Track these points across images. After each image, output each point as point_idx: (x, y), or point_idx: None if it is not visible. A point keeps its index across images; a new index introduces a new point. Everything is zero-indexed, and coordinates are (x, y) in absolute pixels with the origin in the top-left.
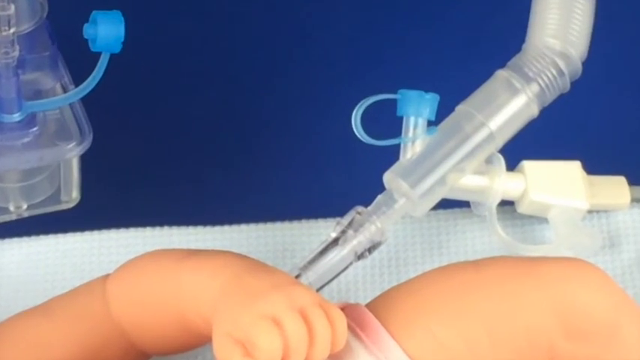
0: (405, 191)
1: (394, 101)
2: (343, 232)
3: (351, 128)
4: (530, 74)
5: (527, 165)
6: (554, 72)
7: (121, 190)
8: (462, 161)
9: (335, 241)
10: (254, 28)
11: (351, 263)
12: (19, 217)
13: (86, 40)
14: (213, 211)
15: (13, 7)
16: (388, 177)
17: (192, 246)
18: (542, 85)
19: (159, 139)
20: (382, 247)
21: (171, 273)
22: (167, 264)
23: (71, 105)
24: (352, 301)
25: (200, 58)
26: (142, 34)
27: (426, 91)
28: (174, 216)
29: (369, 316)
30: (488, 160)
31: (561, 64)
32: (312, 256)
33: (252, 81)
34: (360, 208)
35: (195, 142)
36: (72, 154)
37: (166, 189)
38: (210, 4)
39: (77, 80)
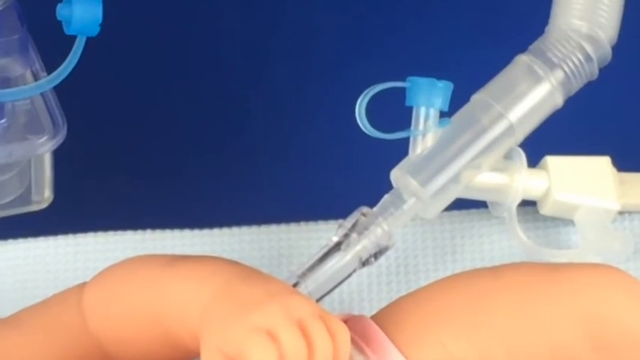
0: (415, 190)
1: (403, 90)
2: (346, 235)
3: (355, 120)
4: (554, 60)
5: (551, 161)
6: (581, 57)
7: (98, 189)
8: (478, 157)
9: (337, 246)
10: (246, 14)
11: (354, 270)
12: None
13: (60, 22)
14: (201, 212)
15: None
16: (396, 174)
17: (178, 251)
18: (568, 71)
19: (141, 133)
20: (389, 253)
21: (155, 282)
22: (150, 272)
23: (43, 94)
24: (356, 312)
25: (188, 44)
26: (123, 16)
27: (438, 78)
28: (158, 218)
29: (375, 329)
30: (508, 156)
31: (589, 49)
32: (311, 262)
33: (243, 69)
34: (364, 209)
35: (182, 136)
36: (44, 149)
37: (149, 188)
38: None
39: (49, 67)
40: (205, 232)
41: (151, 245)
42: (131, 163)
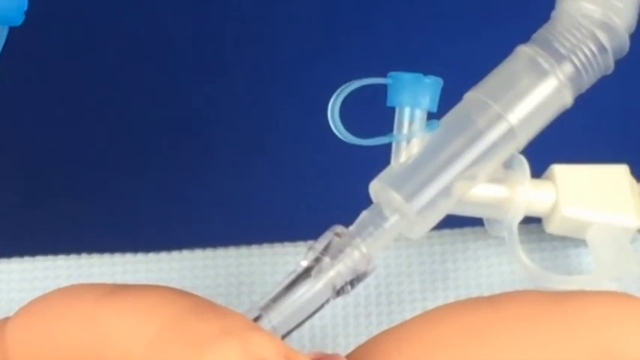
0: (399, 205)
1: (384, 87)
2: (317, 259)
3: (327, 123)
4: (562, 51)
5: (559, 170)
6: (594, 47)
7: (24, 207)
8: (473, 166)
9: (307, 272)
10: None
11: (328, 301)
12: None
13: None
14: (145, 233)
15: None
16: (376, 187)
17: (119, 279)
18: (578, 64)
19: (73, 141)
20: (369, 280)
21: (91, 315)
22: (85, 304)
23: None
24: (330, 350)
25: (141, 51)
26: (53, 4)
27: (425, 73)
28: (95, 240)
29: None
30: (508, 164)
31: (602, 38)
32: (276, 291)
33: (195, 66)
34: (339, 229)
35: (123, 143)
36: None
37: (84, 205)
38: None
39: None
40: (151, 256)
41: (87, 272)
42: (62, 176)
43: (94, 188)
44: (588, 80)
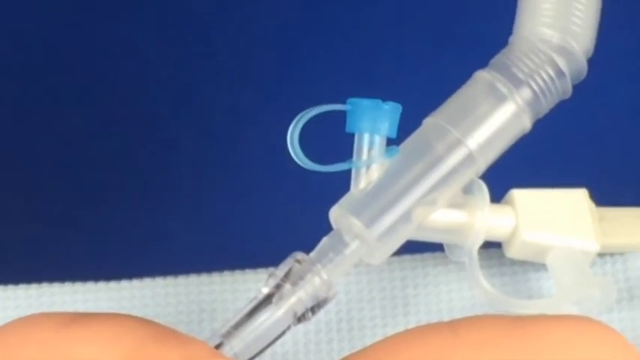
0: (359, 231)
1: (343, 113)
2: (278, 286)
3: (287, 150)
4: (520, 75)
5: (518, 195)
6: (552, 72)
7: None
8: (432, 191)
9: (267, 299)
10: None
11: (289, 327)
12: None
13: None
14: (105, 260)
15: None
16: (336, 213)
17: (80, 308)
18: (536, 89)
19: (30, 169)
20: (330, 306)
21: (52, 344)
22: (46, 332)
23: None
24: None
25: (93, 71)
26: None
27: (384, 99)
28: (53, 268)
29: None
30: (467, 190)
31: (560, 62)
32: (237, 318)
33: (147, 85)
34: (299, 255)
35: (83, 171)
36: None
37: (39, 231)
38: None
39: None
40: (112, 284)
41: (47, 301)
42: (15, 200)
43: (54, 217)
44: (547, 105)
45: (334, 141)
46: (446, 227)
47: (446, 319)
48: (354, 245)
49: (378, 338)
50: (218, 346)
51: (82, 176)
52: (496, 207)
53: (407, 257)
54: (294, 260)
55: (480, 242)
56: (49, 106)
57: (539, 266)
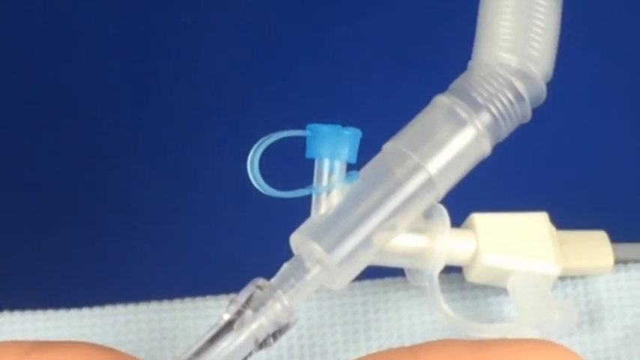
0: (320, 257)
1: (302, 139)
2: (239, 312)
3: (247, 176)
4: (480, 100)
5: (478, 219)
6: (511, 96)
7: None
8: (392, 216)
9: (229, 325)
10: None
11: (250, 353)
12: None
13: None
14: (65, 289)
15: None
16: (297, 239)
17: (41, 336)
18: (496, 113)
19: None
20: (291, 332)
21: None
22: None
23: None
24: None
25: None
26: None
27: (344, 125)
28: (14, 297)
29: None
30: (428, 214)
31: (519, 86)
32: (199, 345)
33: (110, 114)
34: (260, 281)
35: (41, 200)
36: None
37: (1, 263)
38: None
39: None
40: (73, 312)
41: (8, 329)
42: None
43: (14, 244)
44: (506, 129)
45: (294, 167)
46: (407, 252)
47: (407, 343)
48: (315, 271)
49: None
50: None
51: (38, 202)
52: (456, 231)
53: (368, 282)
54: (255, 286)
55: (441, 267)
56: None
57: (500, 290)
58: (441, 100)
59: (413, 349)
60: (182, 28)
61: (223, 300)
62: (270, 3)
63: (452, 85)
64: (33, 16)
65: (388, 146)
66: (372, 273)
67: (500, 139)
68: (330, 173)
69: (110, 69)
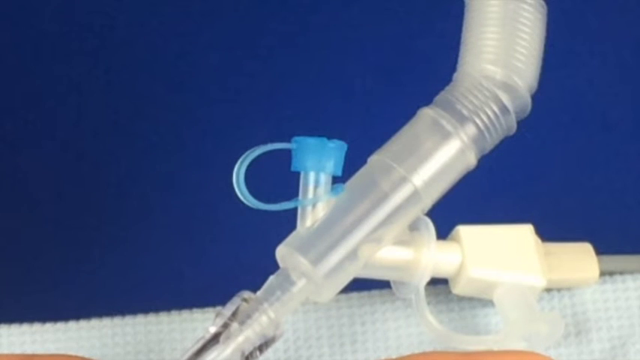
0: (305, 270)
1: (288, 152)
2: (225, 325)
3: (233, 189)
4: (465, 112)
5: (464, 231)
6: (496, 109)
7: None
8: (378, 228)
9: (215, 338)
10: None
11: None
12: None
13: None
14: (52, 302)
15: None
16: (282, 252)
17: (28, 349)
18: (481, 125)
19: None
20: (277, 344)
21: None
22: None
23: None
24: None
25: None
26: None
27: (329, 137)
28: (1, 311)
29: None
30: (413, 226)
31: (504, 98)
32: (185, 357)
33: (88, 117)
34: (246, 294)
35: (24, 211)
36: None
37: None
38: None
39: None
40: (59, 325)
41: None
42: None
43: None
44: (491, 141)
45: (280, 180)
46: (393, 264)
47: (394, 355)
48: (301, 283)
49: None
50: None
51: (23, 216)
52: (442, 244)
53: (354, 295)
54: (242, 299)
55: (427, 279)
56: None
57: (487, 302)
58: (426, 113)
59: None
60: (174, 37)
61: (209, 313)
62: (253, 18)
63: (437, 98)
64: (33, 15)
65: (374, 159)
66: (359, 285)
67: (486, 151)
68: (316, 186)
69: (103, 78)
